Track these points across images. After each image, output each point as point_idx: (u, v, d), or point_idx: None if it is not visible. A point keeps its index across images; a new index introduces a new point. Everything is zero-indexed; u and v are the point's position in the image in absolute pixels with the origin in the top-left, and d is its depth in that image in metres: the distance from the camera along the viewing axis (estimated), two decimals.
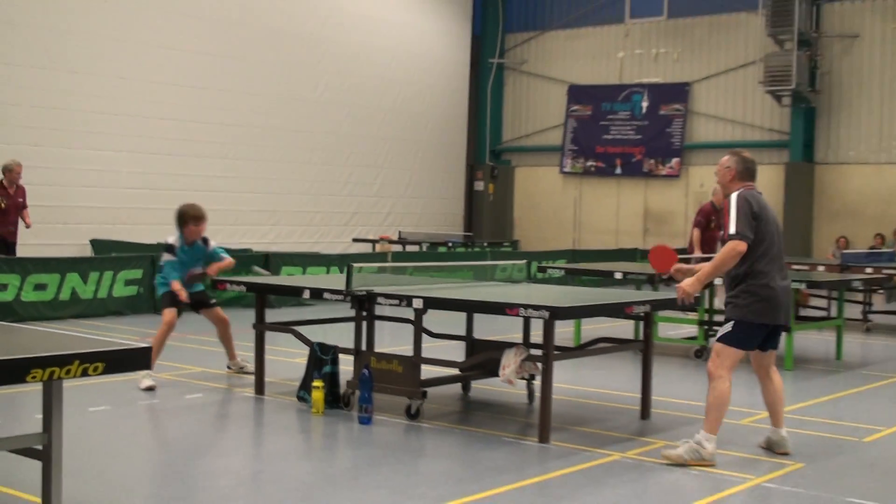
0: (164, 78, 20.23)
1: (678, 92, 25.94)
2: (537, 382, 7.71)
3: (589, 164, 27.21)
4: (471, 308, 7.79)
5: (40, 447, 4.51)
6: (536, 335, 7.64)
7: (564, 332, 11.72)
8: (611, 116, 26.86)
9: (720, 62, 25.41)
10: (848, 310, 13.22)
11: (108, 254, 16.71)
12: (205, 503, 5.60)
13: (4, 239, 14.66)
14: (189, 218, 9.19)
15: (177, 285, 9.02)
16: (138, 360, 4.54)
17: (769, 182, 22.49)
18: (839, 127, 23.86)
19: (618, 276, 12.20)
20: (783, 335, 7.46)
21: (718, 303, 12.38)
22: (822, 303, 14.74)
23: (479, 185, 28.68)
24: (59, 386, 4.47)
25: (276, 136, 22.58)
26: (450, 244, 22.40)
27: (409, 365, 7.70)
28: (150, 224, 18.53)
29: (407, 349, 8.06)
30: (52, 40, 18.50)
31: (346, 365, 8.28)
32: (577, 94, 27.42)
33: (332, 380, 8.11)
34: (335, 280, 9.35)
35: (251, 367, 9.35)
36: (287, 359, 10.23)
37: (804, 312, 13.83)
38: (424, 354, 7.78)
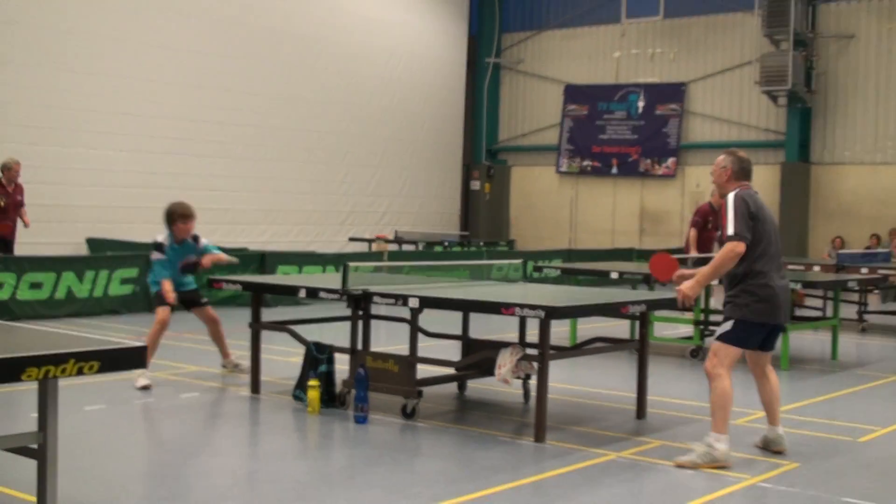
0: (160, 77, 20.20)
1: (674, 92, 25.95)
2: (533, 382, 7.70)
3: (585, 163, 27.21)
4: (467, 307, 7.79)
5: (35, 446, 4.50)
6: (532, 335, 7.65)
7: (560, 331, 11.72)
8: (607, 116, 26.86)
9: (716, 62, 25.42)
10: (843, 310, 13.23)
11: (103, 252, 16.70)
12: (200, 502, 5.60)
13: (3, 237, 14.65)
14: (177, 216, 9.17)
15: (167, 286, 9.00)
16: (134, 358, 4.53)
17: (765, 182, 22.50)
18: (835, 127, 23.88)
19: (614, 275, 12.20)
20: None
21: (715, 303, 12.40)
22: (818, 303, 14.75)
23: (476, 185, 28.67)
24: (55, 385, 4.47)
25: (273, 136, 22.56)
26: (446, 243, 22.40)
27: (405, 364, 7.70)
28: (146, 223, 18.47)
29: (403, 348, 8.05)
30: (51, 39, 18.46)
31: (342, 364, 8.28)
32: (574, 93, 27.43)
33: (327, 379, 8.11)
34: (331, 279, 9.35)
35: (246, 364, 9.35)
36: (283, 358, 10.22)
37: (800, 312, 13.84)
38: (420, 354, 7.78)
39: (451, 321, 8.92)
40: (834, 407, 8.92)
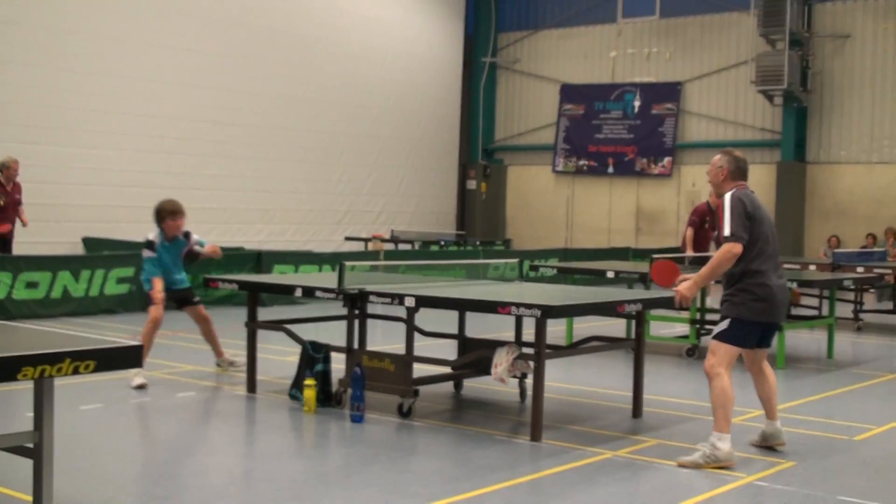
0: (156, 76, 20.17)
1: (670, 91, 25.96)
2: (529, 381, 7.71)
3: (581, 163, 27.22)
4: (463, 306, 7.80)
5: (31, 445, 4.49)
6: (528, 334, 7.65)
7: (556, 330, 11.73)
8: (603, 116, 26.87)
9: (712, 62, 25.44)
10: (839, 309, 13.25)
11: (99, 252, 16.68)
12: (196, 501, 5.59)
13: (3, 236, 14.64)
14: (166, 213, 9.18)
15: (157, 285, 9.00)
16: (130, 358, 4.53)
17: (761, 181, 22.52)
18: (830, 126, 23.91)
19: (610, 274, 12.22)
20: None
21: (711, 301, 12.40)
22: (814, 302, 14.77)
23: (472, 184, 28.67)
24: (51, 384, 4.46)
25: (270, 135, 22.55)
26: (442, 243, 22.39)
27: (401, 363, 7.70)
28: (143, 222, 18.29)
29: (399, 347, 8.05)
30: (50, 39, 18.44)
31: (338, 363, 8.28)
32: (570, 93, 27.43)
33: (324, 378, 8.11)
34: (327, 278, 9.35)
35: (240, 360, 9.36)
36: (279, 357, 10.22)
37: (796, 311, 13.85)
38: (416, 353, 7.77)
39: (447, 320, 8.92)
40: (830, 406, 8.92)
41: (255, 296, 8.84)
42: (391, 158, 25.77)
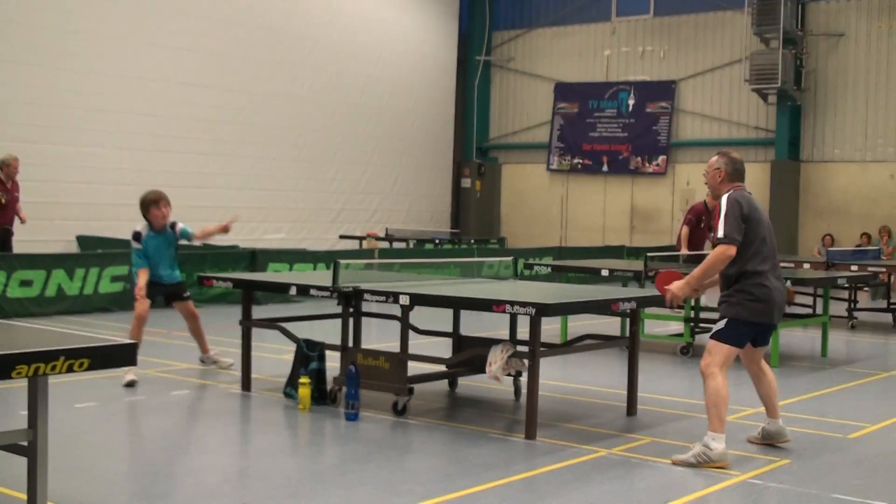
0: (151, 75, 20.13)
1: (664, 90, 25.99)
2: (524, 379, 7.72)
3: (576, 161, 27.23)
4: (457, 305, 7.80)
5: (25, 443, 4.48)
6: (523, 332, 7.65)
7: (551, 328, 11.73)
8: (597, 114, 26.88)
9: (706, 60, 25.46)
10: (833, 307, 13.28)
11: (93, 250, 16.65)
12: (191, 500, 5.59)
13: (5, 229, 14.65)
14: (149, 202, 9.21)
15: (141, 280, 9.00)
16: (124, 356, 4.52)
17: (755, 180, 22.55)
18: (825, 125, 23.94)
19: (604, 273, 12.23)
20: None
21: (705, 300, 12.41)
22: (808, 300, 14.77)
23: (466, 183, 28.67)
24: (45, 382, 4.45)
25: (264, 133, 22.52)
26: (437, 241, 22.38)
27: (396, 361, 7.70)
28: (137, 220, 18.37)
29: (394, 346, 8.05)
30: (50, 38, 18.40)
31: (333, 361, 8.28)
32: (564, 91, 27.44)
33: (318, 376, 8.11)
34: (322, 276, 9.35)
35: (225, 360, 9.37)
36: (274, 355, 10.21)
37: (790, 310, 13.86)
38: (411, 351, 7.78)
39: (441, 318, 8.92)
40: (824, 404, 8.94)
41: (249, 294, 8.84)
42: (386, 157, 25.76)
